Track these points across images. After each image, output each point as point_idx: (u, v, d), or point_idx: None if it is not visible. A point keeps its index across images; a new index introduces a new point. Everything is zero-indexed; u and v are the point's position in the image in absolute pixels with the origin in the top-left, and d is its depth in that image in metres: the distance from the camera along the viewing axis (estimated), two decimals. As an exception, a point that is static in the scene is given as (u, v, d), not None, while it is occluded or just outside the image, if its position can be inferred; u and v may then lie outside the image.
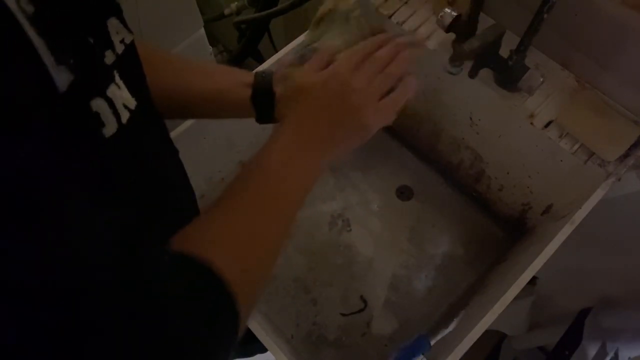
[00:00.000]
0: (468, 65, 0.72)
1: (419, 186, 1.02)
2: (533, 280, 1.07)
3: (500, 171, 0.92)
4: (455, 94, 0.88)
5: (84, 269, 0.23)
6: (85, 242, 0.24)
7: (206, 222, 0.37)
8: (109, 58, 0.31)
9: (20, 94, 0.22)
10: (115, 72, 0.32)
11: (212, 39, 1.06)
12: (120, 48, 0.33)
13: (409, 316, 0.90)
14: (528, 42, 0.69)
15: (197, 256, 0.32)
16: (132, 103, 0.33)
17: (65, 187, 0.24)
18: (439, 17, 0.72)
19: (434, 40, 0.82)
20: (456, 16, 0.71)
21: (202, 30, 0.89)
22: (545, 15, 0.64)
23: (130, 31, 0.35)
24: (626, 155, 0.71)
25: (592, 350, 0.96)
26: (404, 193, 1.01)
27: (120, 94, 0.31)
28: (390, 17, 0.85)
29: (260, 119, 0.52)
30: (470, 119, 0.88)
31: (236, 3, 1.21)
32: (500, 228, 0.98)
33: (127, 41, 0.34)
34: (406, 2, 0.86)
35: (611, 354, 0.93)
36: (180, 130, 0.73)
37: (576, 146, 0.73)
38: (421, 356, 0.67)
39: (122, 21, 0.34)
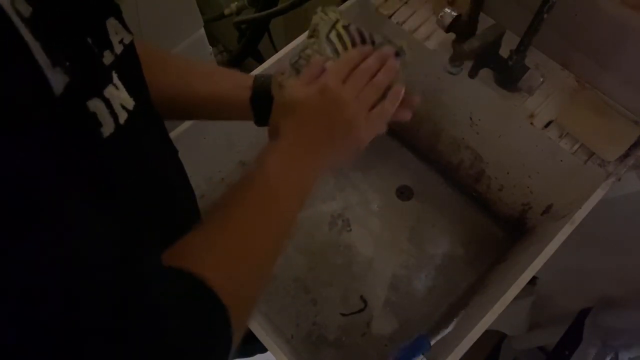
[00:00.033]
0: (468, 65, 0.72)
1: (419, 186, 1.02)
2: (533, 280, 1.07)
3: (500, 171, 0.92)
4: (455, 94, 0.88)
5: (83, 269, 0.23)
6: (85, 242, 0.24)
7: (200, 235, 0.37)
8: (108, 58, 0.31)
9: (17, 95, 0.22)
10: (113, 72, 0.32)
11: (212, 39, 1.06)
12: (119, 48, 0.33)
13: (409, 316, 0.90)
14: (528, 42, 0.69)
15: (190, 270, 0.32)
16: (130, 103, 0.33)
17: (64, 187, 0.24)
18: (439, 17, 0.72)
19: (434, 40, 0.82)
20: (456, 16, 0.71)
21: (202, 30, 0.89)
22: (545, 15, 0.64)
23: (129, 32, 0.35)
24: (626, 155, 0.71)
25: (592, 350, 0.96)
26: (404, 193, 1.01)
27: (118, 94, 0.31)
28: (390, 17, 0.85)
29: (259, 122, 0.53)
30: (470, 119, 0.88)
31: (236, 3, 1.21)
32: (500, 228, 0.98)
33: (126, 42, 0.34)
34: (406, 2, 0.86)
35: (611, 354, 0.93)
36: (180, 130, 0.73)
37: (576, 146, 0.73)
38: (421, 356, 0.67)
39: (122, 22, 0.34)
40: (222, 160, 0.90)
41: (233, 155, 0.91)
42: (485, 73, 0.75)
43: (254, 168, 0.42)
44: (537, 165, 0.82)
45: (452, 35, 0.75)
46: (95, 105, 0.29)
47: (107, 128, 0.30)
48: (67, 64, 0.26)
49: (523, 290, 0.64)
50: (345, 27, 0.52)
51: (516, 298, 0.63)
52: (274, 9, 1.07)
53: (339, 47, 0.51)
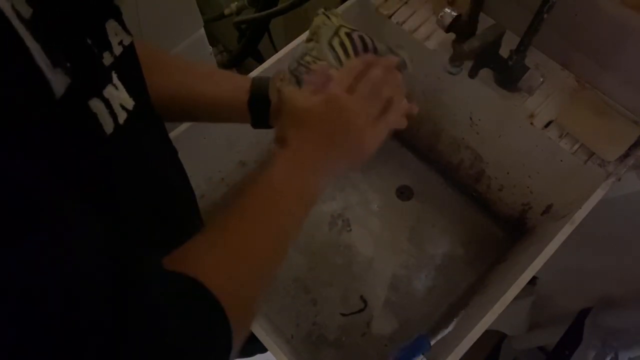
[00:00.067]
0: (468, 65, 0.72)
1: (419, 186, 1.02)
2: (533, 280, 1.07)
3: (500, 171, 0.92)
4: (455, 94, 0.88)
5: (83, 269, 0.23)
6: (84, 242, 0.24)
7: (200, 237, 0.37)
8: (107, 59, 0.31)
9: (14, 96, 0.22)
10: (113, 73, 0.32)
11: (212, 39, 1.06)
12: (118, 50, 0.33)
13: (409, 316, 0.90)
14: (528, 42, 0.69)
15: (191, 276, 0.32)
16: (129, 104, 0.33)
17: (64, 188, 0.24)
18: (439, 17, 0.72)
19: (434, 40, 0.82)
20: (456, 16, 0.71)
21: (202, 30, 0.89)
22: (545, 15, 0.64)
23: (129, 33, 0.35)
24: (626, 155, 0.71)
25: (592, 350, 0.96)
26: (404, 193, 1.01)
27: (118, 94, 0.31)
28: (390, 17, 0.85)
29: (256, 124, 0.53)
30: (470, 119, 0.88)
31: (236, 3, 1.21)
32: (500, 228, 0.98)
33: (126, 43, 0.34)
34: (406, 2, 0.86)
35: (611, 354, 0.93)
36: (180, 130, 0.73)
37: (576, 146, 0.73)
38: (421, 356, 0.67)
39: (121, 23, 0.34)
40: (222, 160, 0.90)
41: (233, 155, 0.91)
42: (485, 73, 0.75)
43: (258, 173, 0.42)
44: (537, 165, 0.82)
45: (452, 35, 0.75)
46: (94, 105, 0.29)
47: (107, 128, 0.30)
48: (68, 64, 0.26)
49: (523, 290, 0.64)
50: (348, 35, 0.51)
51: (516, 298, 0.63)
52: (274, 9, 1.07)
53: (341, 54, 0.51)
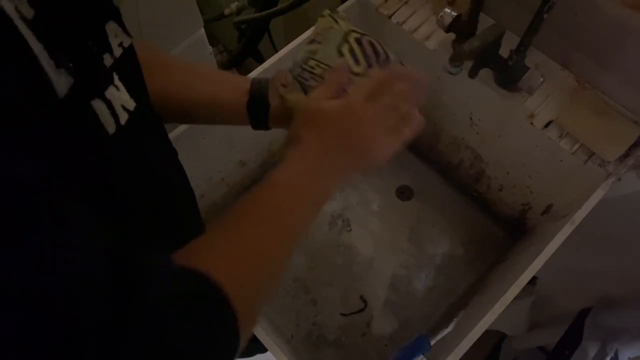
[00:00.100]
0: (468, 65, 0.72)
1: (419, 186, 1.02)
2: (533, 280, 1.07)
3: (500, 171, 0.92)
4: (455, 94, 0.88)
5: (83, 269, 0.23)
6: (84, 242, 0.24)
7: (210, 237, 0.37)
8: (107, 61, 0.31)
9: (16, 97, 0.22)
10: (114, 74, 0.32)
11: (212, 39, 1.06)
12: (118, 51, 0.33)
13: (409, 316, 0.90)
14: (528, 42, 0.69)
15: (198, 270, 0.32)
16: (131, 105, 0.33)
17: (64, 188, 0.24)
18: (439, 17, 0.72)
19: (434, 40, 0.82)
20: (456, 16, 0.71)
21: (202, 30, 0.89)
22: (545, 15, 0.64)
23: (129, 35, 0.35)
24: (626, 155, 0.71)
25: (592, 350, 0.96)
26: (404, 193, 1.01)
27: (119, 95, 0.31)
28: (390, 17, 0.85)
29: (255, 127, 0.53)
30: (470, 119, 0.88)
31: (236, 3, 1.21)
32: (500, 228, 0.98)
33: (126, 44, 0.34)
34: (406, 2, 0.86)
35: (611, 354, 0.93)
36: (180, 131, 0.73)
37: (576, 146, 0.73)
38: (421, 356, 0.67)
39: (121, 24, 0.34)
40: (222, 160, 0.90)
41: (233, 155, 0.91)
42: (485, 73, 0.75)
43: (271, 174, 0.42)
44: (537, 165, 0.82)
45: (452, 35, 0.75)
46: (97, 106, 0.29)
47: (109, 129, 0.30)
48: (71, 65, 0.26)
49: (523, 290, 0.64)
50: (358, 41, 0.50)
51: (516, 298, 0.63)
52: (274, 9, 1.07)
53: (351, 63, 0.50)
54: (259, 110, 0.51)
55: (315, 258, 0.95)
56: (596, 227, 0.75)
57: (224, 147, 0.87)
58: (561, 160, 0.75)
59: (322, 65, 0.50)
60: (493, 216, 0.99)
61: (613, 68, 0.72)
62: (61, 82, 0.25)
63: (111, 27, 0.32)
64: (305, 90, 0.51)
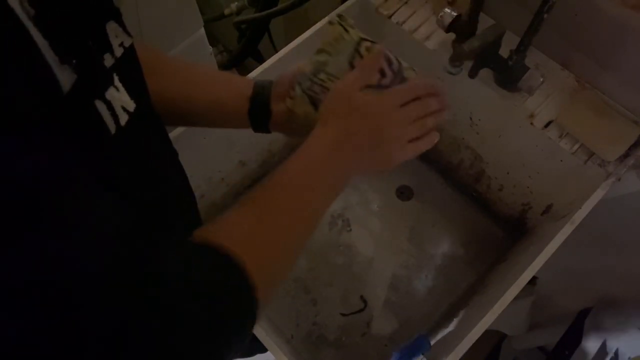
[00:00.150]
0: (468, 65, 0.72)
1: (419, 186, 1.02)
2: (533, 280, 1.07)
3: (500, 171, 0.92)
4: (455, 94, 0.88)
5: (85, 269, 0.23)
6: (87, 242, 0.24)
7: (232, 216, 0.38)
8: (108, 61, 0.31)
9: (23, 93, 0.22)
10: (114, 74, 0.32)
11: (212, 39, 1.06)
12: (119, 51, 0.33)
13: (409, 316, 0.90)
14: (528, 42, 0.69)
15: (220, 245, 0.33)
16: (131, 106, 0.33)
17: (67, 187, 0.24)
18: (439, 17, 0.72)
19: (434, 40, 0.82)
20: (456, 16, 0.71)
21: (202, 30, 0.89)
22: (545, 15, 0.64)
23: (129, 35, 0.35)
24: (626, 155, 0.71)
25: (592, 350, 0.96)
26: (404, 193, 1.01)
27: (119, 96, 0.31)
28: (390, 17, 0.85)
29: (256, 130, 0.53)
30: (470, 119, 0.88)
31: (236, 3, 1.21)
32: (500, 228, 0.98)
33: (126, 45, 0.34)
34: (406, 2, 0.86)
35: (611, 354, 0.93)
36: (180, 131, 0.73)
37: (576, 146, 0.73)
38: (421, 356, 0.67)
39: (121, 24, 0.34)
40: (222, 160, 0.90)
41: (233, 155, 0.91)
42: (485, 73, 0.75)
43: (292, 159, 0.43)
44: (537, 165, 0.82)
45: (452, 35, 0.75)
46: (98, 106, 0.29)
47: (109, 129, 0.30)
48: (75, 61, 0.26)
49: (523, 290, 0.64)
50: (370, 50, 0.49)
51: (516, 298, 0.63)
52: (274, 9, 1.07)
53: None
54: (260, 116, 0.51)
55: (316, 258, 0.95)
56: (596, 227, 0.75)
57: (224, 147, 0.87)
58: (561, 160, 0.75)
59: (333, 79, 0.49)
60: (493, 216, 0.99)
61: (613, 68, 0.72)
62: (65, 78, 0.25)
63: (112, 27, 0.32)
64: (316, 104, 0.49)
